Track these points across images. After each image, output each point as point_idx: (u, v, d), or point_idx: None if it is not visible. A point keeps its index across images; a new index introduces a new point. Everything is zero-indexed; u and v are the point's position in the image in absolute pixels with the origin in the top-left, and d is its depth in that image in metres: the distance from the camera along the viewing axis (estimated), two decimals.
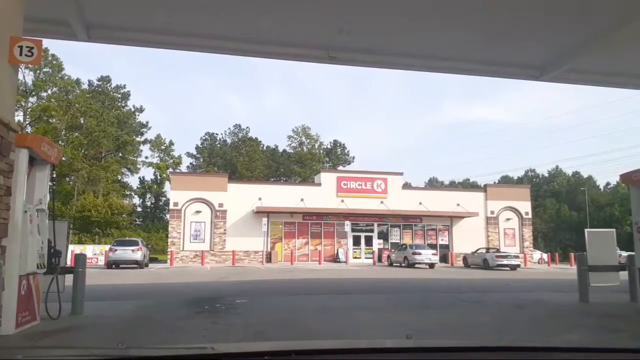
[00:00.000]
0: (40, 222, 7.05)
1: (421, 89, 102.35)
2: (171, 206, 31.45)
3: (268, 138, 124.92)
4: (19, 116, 41.85)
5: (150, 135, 59.26)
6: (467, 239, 33.05)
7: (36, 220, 6.90)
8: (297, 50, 11.05)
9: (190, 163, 66.16)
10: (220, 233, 30.95)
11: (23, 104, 43.97)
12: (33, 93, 46.09)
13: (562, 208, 63.31)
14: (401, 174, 35.36)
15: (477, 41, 10.51)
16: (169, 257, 29.66)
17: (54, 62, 46.79)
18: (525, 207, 35.69)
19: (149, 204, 64.43)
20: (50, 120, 45.55)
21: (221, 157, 64.91)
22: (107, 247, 27.89)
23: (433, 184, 73.36)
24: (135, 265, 24.59)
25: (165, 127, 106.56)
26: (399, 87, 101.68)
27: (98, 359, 1.77)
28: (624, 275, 10.69)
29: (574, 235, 52.98)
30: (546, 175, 72.64)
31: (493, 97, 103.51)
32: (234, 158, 63.21)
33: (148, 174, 61.93)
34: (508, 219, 35.30)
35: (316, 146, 68.26)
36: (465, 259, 29.83)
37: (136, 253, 24.50)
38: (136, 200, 61.72)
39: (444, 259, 32.00)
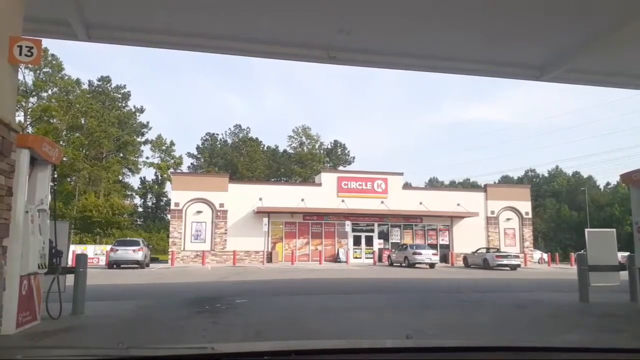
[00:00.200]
0: (42, 222, 7.06)
1: (421, 88, 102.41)
2: (172, 206, 31.46)
3: (268, 138, 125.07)
4: (19, 116, 41.91)
5: (151, 135, 59.39)
6: (467, 239, 33.05)
7: (37, 220, 6.90)
8: (297, 50, 11.05)
9: (191, 163, 66.29)
10: (221, 233, 30.96)
11: (23, 104, 43.99)
12: (33, 93, 46.10)
13: (562, 208, 63.29)
14: (401, 174, 35.38)
15: (477, 41, 10.51)
16: (169, 257, 29.66)
17: (54, 62, 46.81)
18: (526, 207, 35.68)
19: (150, 204, 64.51)
20: (51, 121, 45.57)
21: (222, 157, 64.94)
22: (108, 247, 27.91)
23: (433, 184, 73.37)
24: (136, 266, 24.60)
25: (165, 128, 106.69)
26: (399, 87, 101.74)
27: (99, 359, 1.77)
28: (624, 275, 10.69)
29: (574, 235, 52.99)
30: (546, 175, 72.66)
31: (493, 97, 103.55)
32: (234, 158, 63.23)
33: (149, 174, 62.14)
34: (508, 219, 35.29)
35: (316, 146, 68.29)
36: (465, 259, 29.82)
37: (137, 253, 24.51)
38: (137, 200, 61.86)
39: (444, 259, 31.99)
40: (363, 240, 33.49)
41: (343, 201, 32.45)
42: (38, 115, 44.94)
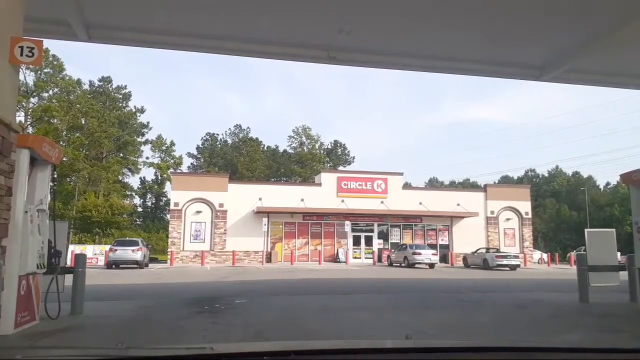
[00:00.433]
0: (41, 222, 7.06)
1: (421, 88, 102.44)
2: (172, 206, 31.46)
3: (268, 138, 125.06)
4: (20, 117, 41.90)
5: (151, 135, 59.39)
6: (467, 239, 33.05)
7: (37, 220, 6.90)
8: (297, 50, 11.05)
9: (191, 163, 66.31)
10: (220, 233, 30.95)
11: (24, 104, 43.98)
12: (34, 93, 46.09)
13: (562, 208, 63.32)
14: (401, 174, 35.38)
15: (477, 41, 10.51)
16: (169, 257, 29.66)
17: (55, 63, 46.81)
18: (525, 207, 35.68)
19: (149, 204, 64.52)
20: (52, 121, 45.55)
21: (222, 157, 64.95)
22: (107, 247, 27.89)
23: (433, 184, 73.38)
24: (135, 266, 24.58)
25: (166, 128, 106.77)
26: (399, 87, 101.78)
27: (98, 359, 1.76)
28: (623, 275, 10.68)
29: (573, 235, 53.00)
30: (546, 175, 72.69)
31: (493, 97, 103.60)
32: (234, 158, 63.24)
33: (149, 174, 62.11)
34: (508, 219, 35.29)
35: (316, 146, 68.32)
36: (465, 259, 29.82)
37: (136, 253, 24.50)
38: (137, 200, 61.86)
39: (444, 259, 31.99)
40: (362, 241, 33.48)
41: (343, 201, 32.45)
42: (38, 116, 44.94)
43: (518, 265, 26.78)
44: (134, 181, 61.87)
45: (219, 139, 68.35)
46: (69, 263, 9.73)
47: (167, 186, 55.60)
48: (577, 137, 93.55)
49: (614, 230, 11.57)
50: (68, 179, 47.14)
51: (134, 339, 6.41)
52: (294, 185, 42.16)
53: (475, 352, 1.82)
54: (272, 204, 30.83)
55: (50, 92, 48.25)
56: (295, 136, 68.09)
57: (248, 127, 70.19)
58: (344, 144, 69.43)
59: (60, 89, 48.33)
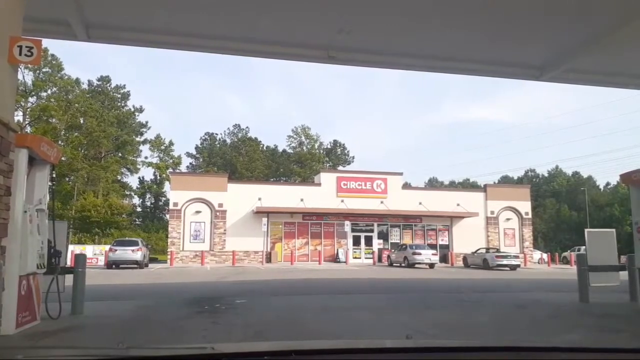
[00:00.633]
0: (40, 222, 7.05)
1: (421, 88, 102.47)
2: (171, 206, 31.45)
3: (268, 138, 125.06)
4: (18, 116, 41.84)
5: (149, 135, 59.34)
6: (467, 239, 33.05)
7: (36, 220, 6.89)
8: (297, 50, 11.06)
9: (190, 163, 66.27)
10: (220, 233, 30.95)
11: (23, 103, 43.94)
12: (33, 93, 46.07)
13: (562, 208, 63.35)
14: (401, 174, 35.38)
15: (477, 41, 10.51)
16: (168, 257, 29.66)
17: (54, 62, 46.78)
18: (525, 207, 35.69)
19: (148, 204, 64.46)
20: (50, 120, 45.53)
21: (221, 157, 64.93)
22: (107, 247, 27.88)
23: (433, 184, 73.40)
24: (135, 266, 24.57)
25: (164, 127, 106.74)
26: (399, 87, 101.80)
27: (98, 359, 1.76)
28: (624, 275, 10.69)
29: (574, 235, 53.01)
30: (546, 175, 72.72)
31: (493, 97, 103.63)
32: (233, 158, 63.22)
33: (148, 174, 62.00)
34: (508, 219, 35.30)
35: (316, 146, 68.30)
36: (465, 259, 29.82)
37: (136, 253, 24.49)
38: (136, 200, 61.81)
39: (443, 259, 31.99)
40: (362, 241, 33.48)
41: (342, 201, 32.45)
42: (37, 115, 44.91)
43: (518, 265, 26.78)
44: (132, 181, 61.86)
45: (217, 138, 68.36)
46: (68, 263, 9.74)
47: (166, 186, 55.60)
48: (577, 137, 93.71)
49: (614, 230, 11.57)
50: (67, 179, 47.12)
51: (135, 339, 6.41)
52: (294, 185, 42.15)
53: (475, 352, 1.82)
54: (271, 204, 30.83)
55: (49, 92, 48.24)
56: (295, 136, 68.14)
57: (247, 127, 70.21)
58: (344, 144, 69.53)
59: (59, 89, 48.30)
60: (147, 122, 59.28)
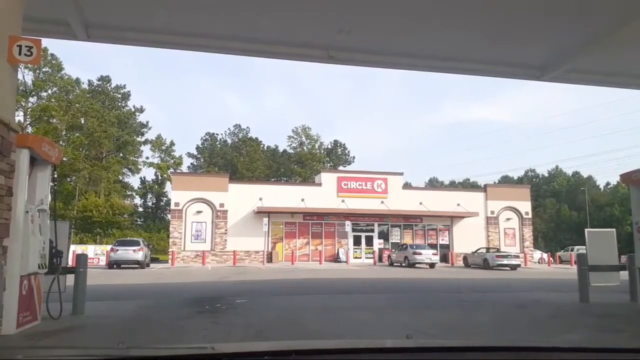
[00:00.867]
0: (42, 222, 7.06)
1: (421, 89, 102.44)
2: (172, 206, 31.46)
3: (268, 138, 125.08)
4: (19, 116, 41.89)
5: (150, 135, 59.33)
6: (467, 239, 33.05)
7: (37, 220, 6.90)
8: (297, 50, 11.06)
9: (191, 163, 66.27)
10: (221, 233, 30.96)
11: (23, 104, 43.96)
12: (33, 93, 46.06)
13: (562, 208, 63.32)
14: (401, 174, 35.37)
15: (477, 41, 10.51)
16: (170, 257, 29.66)
17: (54, 62, 46.77)
18: (525, 207, 35.68)
19: (150, 204, 64.48)
20: (51, 121, 45.54)
21: (222, 157, 64.94)
22: (108, 247, 27.90)
23: (433, 184, 73.39)
24: (137, 266, 24.60)
25: (165, 128, 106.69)
26: (399, 87, 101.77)
27: (99, 359, 1.77)
28: (624, 275, 10.68)
29: (574, 235, 52.97)
30: (546, 175, 72.67)
31: (494, 97, 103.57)
32: (234, 158, 63.23)
33: (149, 174, 62.04)
34: (508, 219, 35.29)
35: (316, 146, 68.28)
36: (465, 258, 29.82)
37: (137, 253, 24.51)
38: (137, 200, 61.81)
39: (444, 258, 31.98)
40: (363, 240, 33.48)
41: (343, 201, 32.45)
42: (38, 115, 44.92)
43: (518, 265, 26.78)
44: (134, 181, 61.97)
45: (218, 139, 68.36)
46: (70, 263, 9.75)
47: (168, 186, 55.62)
48: (577, 137, 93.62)
49: (614, 230, 11.57)
50: (68, 179, 47.15)
51: (135, 339, 6.41)
52: (294, 185, 42.14)
53: (475, 352, 1.83)
54: (272, 204, 30.83)
55: (49, 92, 48.24)
56: (295, 136, 68.12)
57: (248, 127, 70.25)
58: (344, 144, 69.49)
59: (59, 89, 48.30)
60: (147, 123, 59.39)
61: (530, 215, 36.23)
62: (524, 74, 12.63)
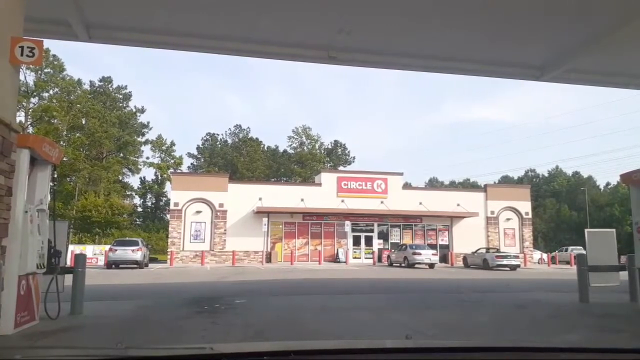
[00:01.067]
0: (41, 222, 7.06)
1: (421, 89, 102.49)
2: (171, 206, 31.45)
3: (268, 138, 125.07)
4: (20, 117, 41.88)
5: (151, 135, 59.41)
6: (467, 239, 33.04)
7: (36, 220, 6.90)
8: (297, 50, 11.05)
9: (191, 163, 66.32)
10: (220, 233, 30.95)
11: (24, 104, 43.97)
12: (34, 93, 46.06)
13: (562, 208, 63.35)
14: (401, 174, 35.37)
15: (477, 41, 10.51)
16: (169, 257, 29.66)
17: (55, 63, 46.78)
18: (525, 207, 35.68)
19: (149, 204, 64.52)
20: (52, 121, 45.54)
21: (222, 157, 64.97)
22: (107, 247, 27.89)
23: (433, 184, 73.41)
24: (135, 266, 24.57)
25: (166, 128, 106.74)
26: (400, 87, 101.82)
27: (97, 359, 1.76)
28: (624, 275, 10.68)
29: (574, 235, 53.00)
30: (546, 175, 72.71)
31: (494, 97, 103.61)
32: (234, 158, 63.25)
33: (149, 174, 62.12)
34: (508, 219, 35.28)
35: (317, 146, 68.32)
36: (465, 259, 29.81)
37: (136, 253, 24.48)
38: (137, 200, 61.86)
39: (444, 259, 31.99)
40: (362, 241, 33.48)
41: (343, 201, 32.45)
42: (39, 116, 44.93)
43: (518, 265, 26.77)
44: (134, 181, 62.03)
45: (219, 139, 68.42)
46: (68, 263, 9.74)
47: (167, 186, 55.67)
48: (577, 137, 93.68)
49: (614, 230, 11.57)
50: (68, 179, 47.14)
51: (134, 339, 6.40)
52: (294, 185, 42.15)
53: (475, 352, 1.82)
54: (272, 204, 30.83)
55: (51, 92, 48.24)
56: (295, 136, 68.16)
57: (248, 127, 70.34)
58: (344, 144, 69.54)
59: (61, 89, 48.30)
60: (148, 123, 59.43)
61: (530, 216, 36.23)
62: (524, 74, 12.62)
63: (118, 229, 44.09)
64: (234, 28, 9.96)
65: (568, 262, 35.60)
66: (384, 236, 34.01)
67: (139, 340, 6.39)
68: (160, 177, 60.54)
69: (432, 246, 32.03)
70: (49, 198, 7.51)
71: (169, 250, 30.39)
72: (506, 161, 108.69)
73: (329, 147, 69.13)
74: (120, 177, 56.26)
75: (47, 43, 7.76)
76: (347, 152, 68.81)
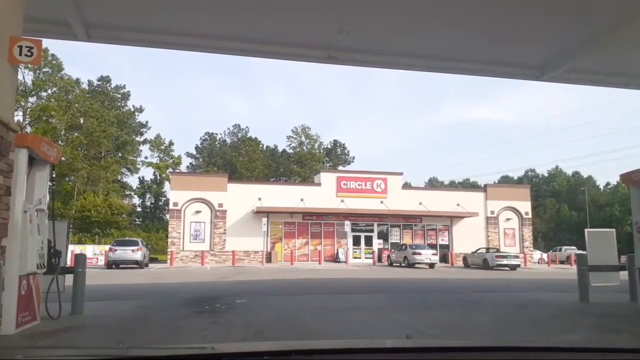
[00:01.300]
0: (40, 222, 7.05)
1: (422, 89, 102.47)
2: (171, 206, 31.44)
3: (268, 138, 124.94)
4: (18, 116, 41.79)
5: (149, 135, 59.31)
6: (467, 239, 33.04)
7: (36, 220, 6.89)
8: (297, 50, 11.05)
9: (190, 163, 66.27)
10: (220, 233, 30.94)
11: (23, 103, 43.90)
12: (33, 93, 46.02)
13: (562, 208, 63.37)
14: (401, 173, 35.37)
15: (477, 41, 10.51)
16: (168, 257, 29.66)
17: (54, 62, 46.73)
18: (525, 207, 35.69)
19: (148, 204, 64.45)
20: (50, 120, 45.50)
21: (221, 157, 64.93)
22: (107, 247, 27.88)
23: (433, 184, 73.41)
24: (135, 266, 24.57)
25: (164, 127, 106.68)
26: (400, 87, 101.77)
27: (98, 359, 1.76)
28: (624, 275, 10.68)
29: (574, 235, 53.01)
30: (546, 175, 72.71)
31: (494, 97, 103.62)
32: (233, 158, 63.21)
33: (148, 174, 61.99)
34: (508, 219, 35.29)
35: (316, 146, 68.28)
36: (465, 259, 29.82)
37: (136, 253, 24.48)
38: (136, 200, 61.80)
39: (443, 259, 31.99)
40: (362, 240, 33.48)
41: (342, 201, 32.45)
42: (37, 115, 44.87)
43: (518, 265, 26.79)
44: (132, 181, 61.85)
45: (217, 138, 68.35)
46: (68, 263, 9.74)
47: (166, 186, 55.62)
48: (577, 137, 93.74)
49: (614, 230, 11.57)
50: (67, 179, 47.10)
51: (134, 339, 6.40)
52: (294, 185, 42.15)
53: (475, 352, 1.82)
54: (271, 204, 30.82)
55: (49, 92, 48.19)
56: (295, 136, 68.11)
57: (247, 127, 70.22)
58: (344, 144, 69.51)
59: (59, 89, 48.25)
60: (147, 122, 59.32)
61: (530, 216, 36.24)
62: (524, 74, 12.63)
63: (117, 229, 44.08)
64: (234, 28, 9.96)
65: (563, 262, 35.68)
66: (383, 236, 34.01)
67: (139, 340, 6.39)
68: (159, 177, 60.51)
69: (432, 246, 32.03)
70: (48, 198, 7.51)
71: (168, 250, 30.38)
72: (506, 161, 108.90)
73: (329, 147, 69.13)
74: (119, 177, 56.23)
75: (46, 42, 7.76)
76: (346, 152, 68.84)
